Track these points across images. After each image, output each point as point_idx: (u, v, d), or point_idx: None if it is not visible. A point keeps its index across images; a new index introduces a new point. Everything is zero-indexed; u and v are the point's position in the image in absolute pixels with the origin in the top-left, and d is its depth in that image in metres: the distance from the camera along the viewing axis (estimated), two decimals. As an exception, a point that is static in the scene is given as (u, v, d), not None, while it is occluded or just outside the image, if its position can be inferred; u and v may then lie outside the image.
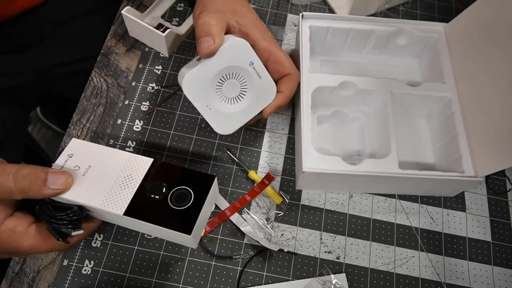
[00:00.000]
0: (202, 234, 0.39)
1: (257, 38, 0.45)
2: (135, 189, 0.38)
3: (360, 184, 0.49)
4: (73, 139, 0.42)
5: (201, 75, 0.43)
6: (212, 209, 0.41)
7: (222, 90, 0.45)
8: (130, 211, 0.36)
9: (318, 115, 0.53)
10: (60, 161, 0.39)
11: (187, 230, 0.35)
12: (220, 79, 0.44)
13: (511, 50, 0.44)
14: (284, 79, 0.47)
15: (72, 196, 0.37)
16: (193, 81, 0.43)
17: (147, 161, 0.40)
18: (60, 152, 0.41)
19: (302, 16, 0.53)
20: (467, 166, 0.47)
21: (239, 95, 0.46)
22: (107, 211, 0.37)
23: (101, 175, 0.39)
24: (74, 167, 0.39)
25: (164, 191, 0.37)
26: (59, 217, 0.36)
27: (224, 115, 0.46)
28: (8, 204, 0.36)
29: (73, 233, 0.37)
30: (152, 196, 0.37)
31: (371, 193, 0.52)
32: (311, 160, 0.46)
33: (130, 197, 0.37)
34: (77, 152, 0.40)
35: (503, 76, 0.45)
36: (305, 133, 0.47)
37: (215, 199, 0.41)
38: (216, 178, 0.39)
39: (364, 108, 0.54)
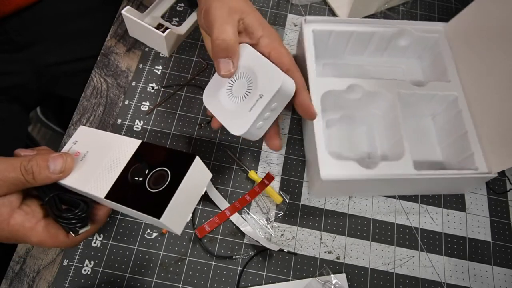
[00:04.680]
0: (187, 219, 0.37)
1: (261, 35, 0.45)
2: (119, 172, 0.37)
3: (375, 187, 0.49)
4: (81, 126, 0.43)
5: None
6: (202, 193, 0.38)
7: (232, 91, 0.44)
8: (111, 194, 0.36)
9: (327, 120, 0.53)
10: (66, 148, 0.41)
11: (158, 213, 0.33)
12: (230, 82, 0.44)
13: None
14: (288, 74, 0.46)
15: (67, 181, 0.38)
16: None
17: (135, 143, 0.39)
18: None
19: (305, 20, 0.53)
20: (480, 163, 0.47)
21: (245, 93, 0.44)
22: (92, 195, 0.37)
23: (95, 160, 0.39)
24: (75, 153, 0.40)
25: (146, 173, 0.36)
26: (66, 217, 0.36)
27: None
28: (16, 195, 0.37)
29: (80, 231, 0.37)
30: (136, 178, 0.36)
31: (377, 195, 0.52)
32: (328, 167, 0.45)
33: (114, 180, 0.37)
34: (81, 139, 0.41)
35: (508, 71, 0.45)
36: (319, 140, 0.46)
37: (203, 182, 0.38)
38: (198, 158, 0.36)
39: (372, 110, 0.54)
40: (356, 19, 0.54)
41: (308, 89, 0.49)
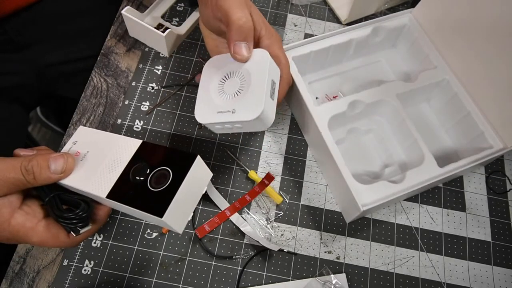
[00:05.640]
0: (189, 218, 0.37)
1: (263, 35, 0.44)
2: (120, 172, 0.37)
3: (408, 194, 0.49)
4: (80, 126, 0.43)
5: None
6: (203, 192, 0.38)
7: (224, 84, 0.44)
8: (113, 194, 0.36)
9: (336, 140, 0.51)
10: (65, 148, 0.41)
11: (160, 212, 0.33)
12: (228, 74, 0.44)
13: (487, 10, 0.44)
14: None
15: (68, 181, 0.38)
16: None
17: (136, 143, 0.39)
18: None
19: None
20: (493, 140, 0.48)
21: (235, 93, 0.43)
22: (93, 194, 0.37)
23: (95, 160, 0.39)
24: (75, 153, 0.40)
25: (147, 172, 0.36)
26: (67, 217, 0.36)
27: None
28: (16, 195, 0.37)
29: (81, 231, 0.37)
30: (137, 178, 0.37)
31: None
32: (361, 196, 0.44)
33: (115, 179, 0.37)
34: (81, 139, 0.41)
35: (492, 38, 0.44)
36: (344, 171, 0.45)
37: (204, 182, 0.38)
38: (199, 157, 0.36)
39: (376, 117, 0.54)
40: (331, 33, 0.53)
41: (312, 118, 0.48)
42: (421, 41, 0.54)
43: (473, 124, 0.49)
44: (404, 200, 0.51)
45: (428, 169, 0.46)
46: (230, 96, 0.42)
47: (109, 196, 0.36)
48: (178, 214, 0.35)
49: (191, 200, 0.37)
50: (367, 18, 0.63)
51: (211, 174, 0.38)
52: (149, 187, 0.36)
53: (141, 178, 0.36)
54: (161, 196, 0.35)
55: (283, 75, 0.45)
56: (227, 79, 0.43)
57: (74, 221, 0.36)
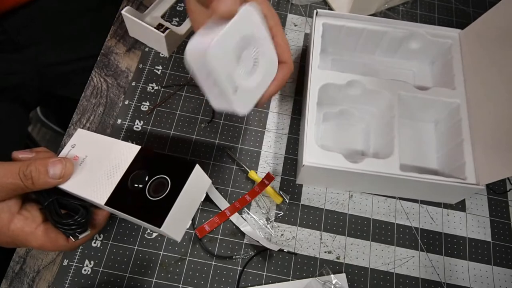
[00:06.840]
0: (187, 226, 0.36)
1: (266, 14, 0.41)
2: (119, 178, 0.37)
3: (359, 183, 0.49)
4: (79, 129, 0.42)
5: (226, 43, 0.37)
6: (202, 199, 0.38)
7: (239, 64, 0.39)
8: (111, 201, 0.36)
9: (324, 112, 0.54)
10: (64, 152, 0.41)
11: (158, 222, 0.33)
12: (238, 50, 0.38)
13: None
14: (279, 66, 0.43)
15: (66, 186, 0.38)
16: (220, 50, 0.36)
17: (135, 149, 0.38)
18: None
19: (317, 13, 0.54)
20: (470, 173, 0.47)
21: (253, 67, 0.40)
22: (93, 201, 0.37)
23: (94, 165, 0.39)
24: (74, 157, 0.39)
25: (146, 179, 0.36)
26: (66, 223, 0.36)
27: (244, 91, 0.40)
28: (15, 200, 0.37)
29: (80, 236, 0.37)
30: (135, 185, 0.36)
31: (371, 193, 0.52)
32: (313, 154, 0.46)
33: (113, 186, 0.37)
34: (80, 143, 0.41)
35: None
36: (309, 127, 0.47)
37: (202, 189, 0.38)
38: (198, 166, 0.35)
39: (371, 109, 0.54)
40: (368, 17, 0.54)
41: (308, 80, 0.49)
42: (455, 61, 0.53)
43: (460, 153, 0.48)
44: (404, 200, 0.52)
45: (387, 165, 0.46)
46: (253, 70, 0.40)
47: (108, 203, 0.36)
48: (177, 222, 0.35)
49: (189, 208, 0.37)
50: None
51: (210, 181, 0.38)
52: (148, 195, 0.35)
53: (140, 186, 0.36)
54: (159, 205, 0.34)
55: (288, 62, 0.43)
56: (242, 51, 0.39)
57: (73, 227, 0.36)
